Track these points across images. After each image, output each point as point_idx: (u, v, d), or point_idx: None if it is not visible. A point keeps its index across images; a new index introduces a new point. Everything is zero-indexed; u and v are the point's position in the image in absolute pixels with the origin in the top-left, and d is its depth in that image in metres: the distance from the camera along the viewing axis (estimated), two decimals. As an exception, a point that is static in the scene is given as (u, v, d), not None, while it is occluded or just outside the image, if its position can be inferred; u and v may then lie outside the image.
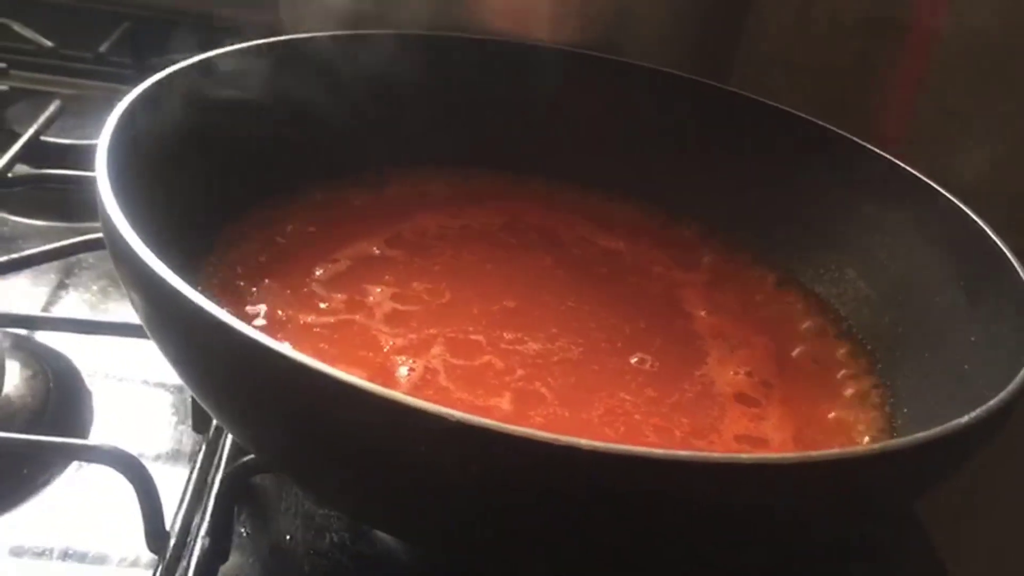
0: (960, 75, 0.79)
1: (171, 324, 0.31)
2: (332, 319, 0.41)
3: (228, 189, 0.45)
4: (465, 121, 0.54)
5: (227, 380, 0.31)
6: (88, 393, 0.49)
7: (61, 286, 0.57)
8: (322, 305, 0.42)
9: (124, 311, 0.56)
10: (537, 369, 0.41)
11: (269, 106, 0.47)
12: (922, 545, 0.45)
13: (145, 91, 0.40)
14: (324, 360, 0.37)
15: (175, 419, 0.49)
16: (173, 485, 0.43)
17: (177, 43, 0.75)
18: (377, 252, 0.47)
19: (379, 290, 0.44)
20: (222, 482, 0.40)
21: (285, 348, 0.27)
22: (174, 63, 0.71)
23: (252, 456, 0.40)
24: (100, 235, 0.51)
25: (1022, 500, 0.74)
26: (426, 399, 0.37)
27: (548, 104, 0.55)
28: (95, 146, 0.45)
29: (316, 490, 0.37)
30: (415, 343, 0.41)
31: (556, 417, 0.38)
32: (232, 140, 0.46)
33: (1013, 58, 0.75)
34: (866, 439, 0.40)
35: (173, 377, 0.51)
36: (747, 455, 0.27)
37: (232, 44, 0.48)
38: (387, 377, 0.38)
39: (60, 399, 0.48)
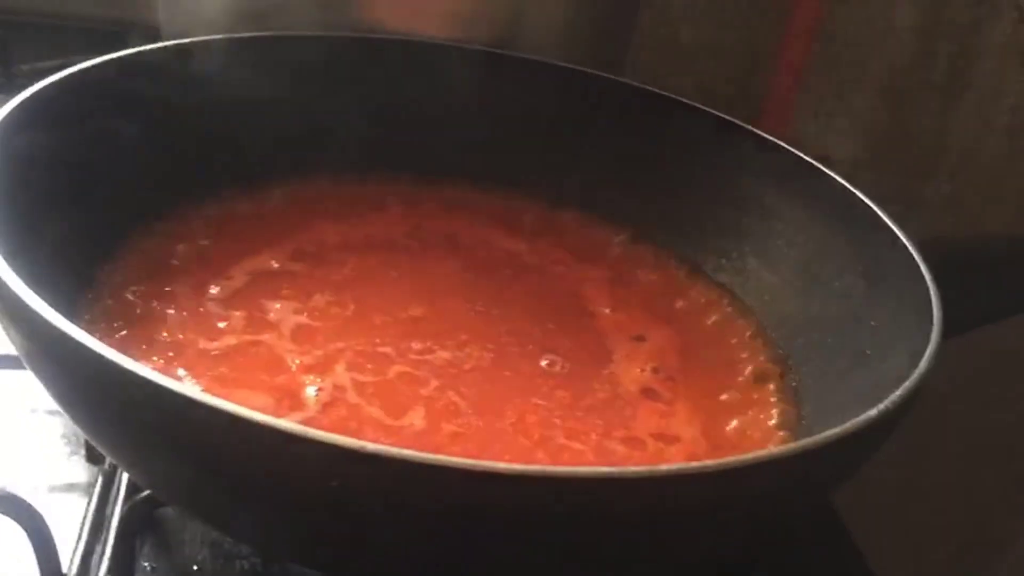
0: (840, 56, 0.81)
1: (52, 361, 0.30)
2: (232, 340, 0.40)
3: (112, 208, 0.43)
4: (357, 124, 0.53)
5: (115, 419, 0.29)
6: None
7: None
8: (220, 325, 0.41)
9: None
10: (449, 379, 0.40)
11: (150, 118, 0.45)
12: (840, 537, 0.45)
13: (17, 107, 0.38)
14: (226, 385, 0.36)
15: (67, 450, 0.46)
16: (68, 520, 0.41)
17: (49, 49, 0.71)
18: (275, 265, 0.45)
19: (279, 306, 0.42)
20: (122, 518, 0.38)
21: (172, 382, 0.25)
22: (46, 71, 0.67)
23: (147, 493, 0.38)
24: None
25: (934, 483, 0.77)
26: (337, 418, 0.37)
27: (442, 103, 0.54)
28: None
29: (219, 526, 0.35)
30: (321, 360, 0.39)
31: (471, 427, 0.38)
32: (113, 155, 0.43)
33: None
34: (774, 430, 0.41)
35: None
36: (659, 467, 0.26)
37: (109, 51, 0.46)
38: (294, 399, 0.37)
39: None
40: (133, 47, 0.47)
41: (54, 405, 0.47)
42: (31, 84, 0.69)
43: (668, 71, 0.79)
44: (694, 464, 0.27)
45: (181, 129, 0.46)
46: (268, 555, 0.38)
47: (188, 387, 0.26)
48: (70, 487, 0.44)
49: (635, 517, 0.27)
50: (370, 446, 0.25)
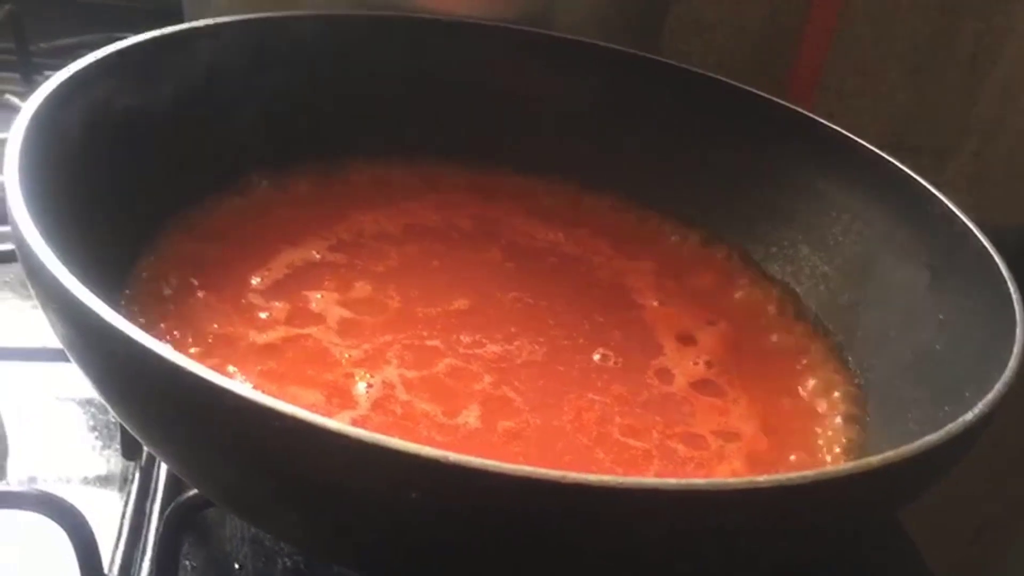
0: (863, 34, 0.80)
1: (99, 356, 0.28)
2: (276, 334, 0.38)
3: (149, 197, 0.41)
4: (387, 107, 0.51)
5: (163, 414, 0.28)
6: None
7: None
8: (263, 316, 0.39)
9: (27, 333, 0.52)
10: (502, 374, 0.38)
11: (187, 99, 0.43)
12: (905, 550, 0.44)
13: (55, 89, 0.36)
14: (274, 381, 0.35)
15: (99, 444, 0.45)
16: (105, 517, 0.40)
17: (64, 27, 0.69)
18: (315, 256, 0.43)
19: (323, 298, 0.41)
20: (167, 520, 0.36)
21: (226, 381, 0.24)
22: (63, 49, 0.65)
23: (195, 492, 0.37)
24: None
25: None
26: (389, 417, 0.35)
27: (477, 86, 0.52)
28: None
29: (266, 526, 0.34)
30: (370, 354, 0.38)
31: (528, 425, 0.36)
32: (151, 140, 0.42)
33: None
34: (839, 427, 0.39)
35: (93, 400, 0.47)
36: (738, 480, 0.25)
37: (140, 29, 0.44)
38: (344, 395, 0.36)
39: (-32, 432, 0.43)
40: (147, 25, 0.45)
41: (83, 400, 0.47)
42: (48, 63, 0.68)
43: (691, 49, 0.78)
44: (764, 479, 0.25)
45: (216, 114, 0.44)
46: (319, 558, 0.37)
47: (248, 388, 0.24)
48: (104, 481, 0.43)
49: (706, 530, 0.26)
50: (453, 456, 0.23)
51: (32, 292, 0.30)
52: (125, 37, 0.42)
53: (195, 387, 0.24)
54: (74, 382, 0.48)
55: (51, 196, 0.33)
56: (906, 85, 0.82)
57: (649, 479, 0.29)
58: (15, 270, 0.54)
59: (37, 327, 0.50)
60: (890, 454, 0.27)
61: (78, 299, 0.26)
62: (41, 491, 0.35)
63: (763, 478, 0.25)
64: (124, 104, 0.40)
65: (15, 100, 0.57)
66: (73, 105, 0.37)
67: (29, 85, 0.68)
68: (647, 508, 0.24)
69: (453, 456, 0.23)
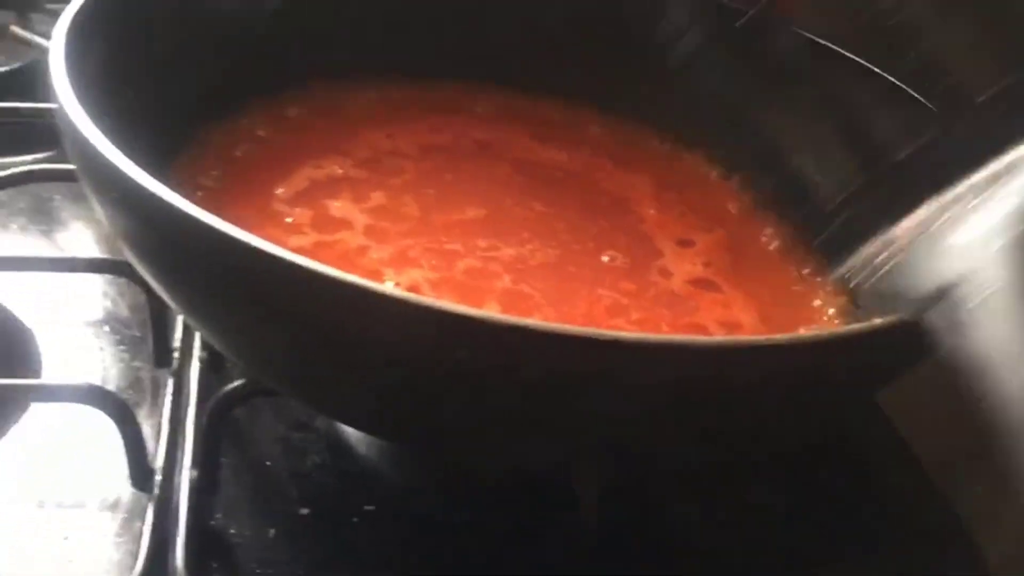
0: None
1: (167, 242, 0.30)
2: (304, 238, 0.40)
3: (173, 110, 0.43)
4: (392, 28, 0.53)
5: (222, 290, 0.29)
6: (30, 334, 0.46)
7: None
8: (288, 222, 0.41)
9: (49, 247, 0.53)
10: (518, 273, 0.41)
11: (205, 13, 0.44)
12: (934, 496, 0.47)
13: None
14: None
15: (127, 355, 0.47)
16: (141, 422, 0.42)
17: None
18: (335, 169, 0.45)
19: (344, 207, 0.43)
20: (210, 412, 0.39)
21: (292, 255, 0.26)
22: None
23: (235, 384, 0.39)
24: (28, 168, 0.49)
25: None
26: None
27: (476, 4, 0.54)
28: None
29: (313, 399, 0.36)
30: (394, 256, 0.40)
31: (547, 318, 0.39)
32: (171, 54, 0.43)
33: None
34: (832, 319, 0.42)
35: (116, 312, 0.49)
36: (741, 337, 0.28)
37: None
38: (375, 291, 0.38)
39: (3, 344, 0.45)
40: None
41: (107, 312, 0.49)
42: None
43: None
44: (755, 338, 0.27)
45: (243, 28, 0.46)
46: (366, 429, 0.39)
47: (311, 261, 0.26)
48: (136, 388, 0.45)
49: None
50: (499, 316, 0.26)
51: (95, 192, 0.32)
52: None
53: (260, 261, 0.26)
54: (94, 299, 0.49)
55: (94, 110, 0.35)
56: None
57: (679, 335, 0.31)
58: (28, 199, 0.56)
59: (50, 250, 0.53)
60: (876, 320, 0.29)
61: (147, 188, 0.28)
62: (91, 384, 0.37)
63: (779, 336, 0.27)
64: (147, 17, 0.41)
65: (19, 31, 0.58)
66: (100, 20, 0.39)
67: (25, 21, 0.68)
68: (672, 362, 0.27)
69: (500, 316, 0.26)
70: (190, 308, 0.33)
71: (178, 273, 0.31)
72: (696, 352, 0.27)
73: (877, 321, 0.29)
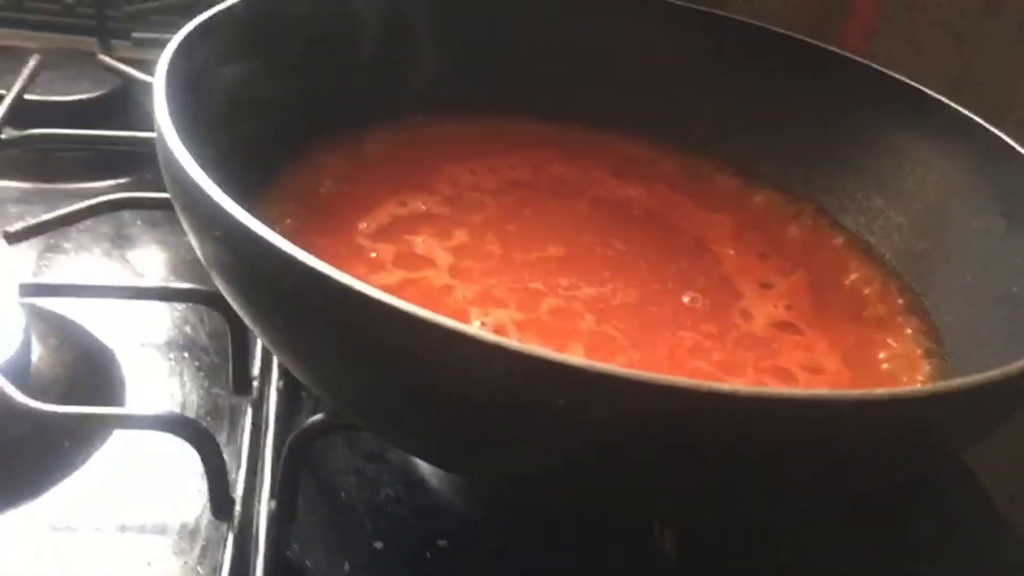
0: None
1: (259, 278, 0.30)
2: (389, 275, 0.41)
3: (261, 146, 0.44)
4: (465, 63, 0.53)
5: (318, 331, 0.30)
6: (115, 361, 0.47)
7: (53, 250, 0.54)
8: (373, 258, 0.42)
9: (131, 272, 0.54)
10: (600, 313, 0.41)
11: (308, 48, 0.45)
12: (982, 502, 0.46)
13: (198, 27, 0.39)
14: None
15: (207, 382, 0.47)
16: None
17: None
18: (417, 204, 0.46)
19: (427, 243, 0.43)
20: (290, 445, 0.39)
21: (391, 297, 0.26)
22: (141, 13, 0.68)
23: (317, 419, 0.40)
24: (116, 197, 0.50)
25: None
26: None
27: (555, 42, 0.54)
28: (79, 101, 0.42)
29: (402, 439, 0.36)
30: (479, 295, 0.40)
31: (630, 360, 0.39)
32: (262, 90, 0.44)
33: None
34: (918, 365, 0.42)
35: (196, 339, 0.50)
36: (843, 391, 0.27)
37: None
38: (462, 331, 0.38)
39: (89, 368, 0.46)
40: None
41: (187, 340, 0.49)
42: (125, 28, 0.70)
43: (743, 11, 0.79)
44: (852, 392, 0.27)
45: (329, 64, 0.47)
46: (457, 471, 0.39)
47: (408, 304, 0.26)
48: (215, 416, 0.45)
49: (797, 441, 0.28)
50: (600, 366, 0.25)
51: (191, 225, 0.32)
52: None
53: (358, 300, 0.26)
54: (175, 326, 0.50)
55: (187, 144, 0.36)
56: (953, 54, 0.83)
57: (784, 389, 0.31)
58: (111, 224, 0.57)
59: (131, 275, 0.54)
60: (978, 376, 0.29)
61: (248, 225, 0.28)
62: (177, 413, 0.38)
63: (880, 390, 0.27)
64: (238, 57, 0.42)
65: (108, 59, 0.60)
66: (198, 56, 0.40)
67: (108, 48, 0.70)
68: (772, 415, 0.27)
69: (600, 366, 0.25)
70: (278, 340, 0.34)
71: (268, 307, 0.31)
72: (790, 406, 0.27)
73: (980, 377, 0.29)
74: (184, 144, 0.33)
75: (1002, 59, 0.82)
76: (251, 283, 0.31)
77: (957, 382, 0.27)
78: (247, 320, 0.34)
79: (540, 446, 0.29)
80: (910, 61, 0.83)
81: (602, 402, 0.26)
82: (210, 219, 0.30)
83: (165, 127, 0.33)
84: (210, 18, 0.41)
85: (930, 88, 0.82)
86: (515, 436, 0.29)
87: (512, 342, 0.25)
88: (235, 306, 0.34)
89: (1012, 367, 0.28)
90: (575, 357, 0.25)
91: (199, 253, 0.34)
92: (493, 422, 0.29)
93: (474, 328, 0.25)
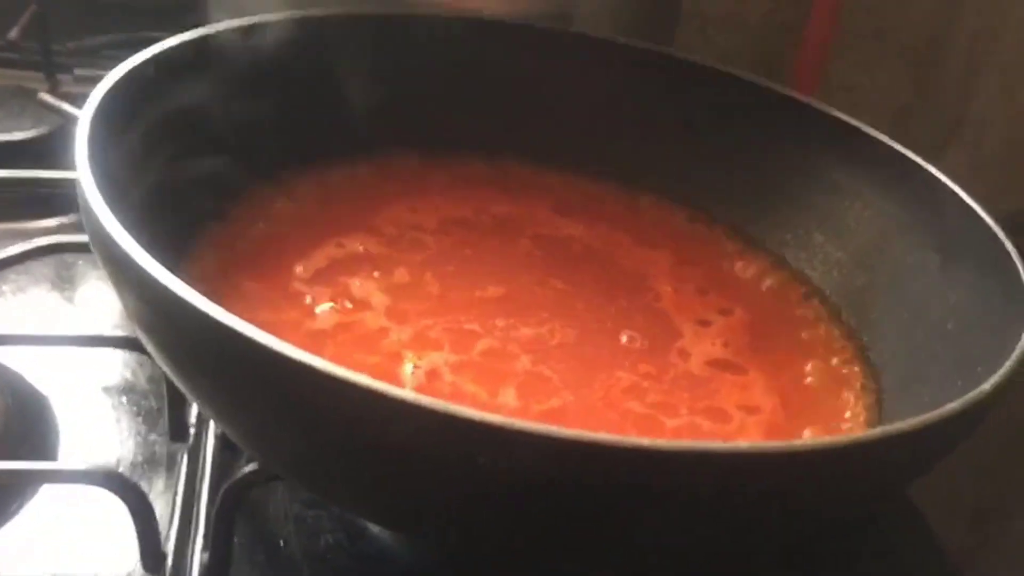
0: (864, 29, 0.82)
1: (179, 335, 0.30)
2: (323, 321, 0.40)
3: (194, 190, 0.43)
4: (414, 105, 0.53)
5: (241, 388, 0.29)
6: (49, 408, 0.46)
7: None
8: (307, 302, 0.41)
9: (70, 320, 0.53)
10: (537, 354, 0.40)
11: (234, 95, 0.45)
12: (923, 537, 0.46)
13: (122, 79, 0.38)
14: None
15: (144, 428, 0.47)
16: (154, 497, 0.42)
17: (89, 27, 0.71)
18: (355, 245, 0.45)
19: (365, 285, 0.43)
20: (223, 496, 0.38)
21: (309, 356, 0.26)
22: (89, 49, 0.67)
23: (251, 468, 0.39)
24: (49, 242, 0.49)
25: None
26: (436, 395, 0.37)
27: (498, 82, 0.54)
28: (22, 141, 0.41)
29: (329, 494, 0.36)
30: (413, 338, 0.40)
31: (565, 402, 0.38)
32: (194, 135, 0.43)
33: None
34: (853, 404, 0.42)
35: (135, 384, 0.49)
36: (768, 444, 0.27)
37: (161, 28, 0.46)
38: (392, 377, 0.38)
39: (22, 417, 0.45)
40: (167, 24, 0.47)
41: (127, 386, 0.49)
42: (72, 62, 0.70)
43: (691, 45, 0.79)
44: (776, 444, 0.27)
45: (263, 107, 0.46)
46: (383, 524, 0.39)
47: (327, 363, 0.26)
48: (151, 464, 0.45)
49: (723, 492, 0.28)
50: (518, 423, 0.25)
51: (113, 280, 0.32)
52: (148, 36, 0.44)
53: (276, 360, 0.26)
54: (113, 371, 0.49)
55: (114, 190, 0.35)
56: (905, 80, 0.84)
57: (698, 442, 0.31)
58: (52, 263, 0.56)
59: (71, 318, 0.53)
60: (912, 420, 0.29)
61: (165, 284, 0.28)
62: (106, 467, 0.37)
63: (801, 441, 0.27)
64: (177, 98, 0.42)
65: (48, 98, 0.59)
66: (132, 97, 0.39)
67: (54, 84, 0.70)
68: (694, 470, 0.26)
69: (521, 423, 0.25)
70: (198, 395, 0.33)
71: (187, 362, 0.31)
72: (721, 460, 0.26)
73: (925, 417, 0.29)
74: (108, 190, 0.33)
75: (953, 84, 0.84)
76: (169, 339, 0.31)
77: (876, 432, 0.27)
78: (169, 374, 0.33)
79: (466, 500, 0.29)
80: (863, 87, 0.84)
81: (506, 456, 0.25)
82: (124, 270, 0.30)
83: (84, 178, 0.33)
84: (143, 61, 0.40)
85: (883, 114, 0.84)
86: (440, 491, 0.29)
87: (419, 397, 0.25)
88: (156, 360, 0.33)
89: (927, 416, 0.28)
90: (474, 410, 0.25)
91: (122, 306, 0.33)
92: (414, 477, 0.28)
93: (380, 383, 0.25)
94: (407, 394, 0.25)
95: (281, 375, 0.26)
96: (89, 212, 0.31)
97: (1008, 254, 0.38)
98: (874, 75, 0.84)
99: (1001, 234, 0.39)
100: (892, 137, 0.47)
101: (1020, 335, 0.33)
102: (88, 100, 0.38)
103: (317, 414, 0.27)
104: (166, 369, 0.33)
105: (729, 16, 0.81)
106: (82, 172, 0.33)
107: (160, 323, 0.30)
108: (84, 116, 0.36)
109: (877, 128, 0.81)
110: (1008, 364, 0.32)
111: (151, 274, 0.28)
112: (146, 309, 0.30)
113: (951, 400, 0.30)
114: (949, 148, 0.85)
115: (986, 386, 0.30)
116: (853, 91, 0.84)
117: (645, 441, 0.26)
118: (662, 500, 0.27)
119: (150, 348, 0.33)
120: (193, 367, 0.31)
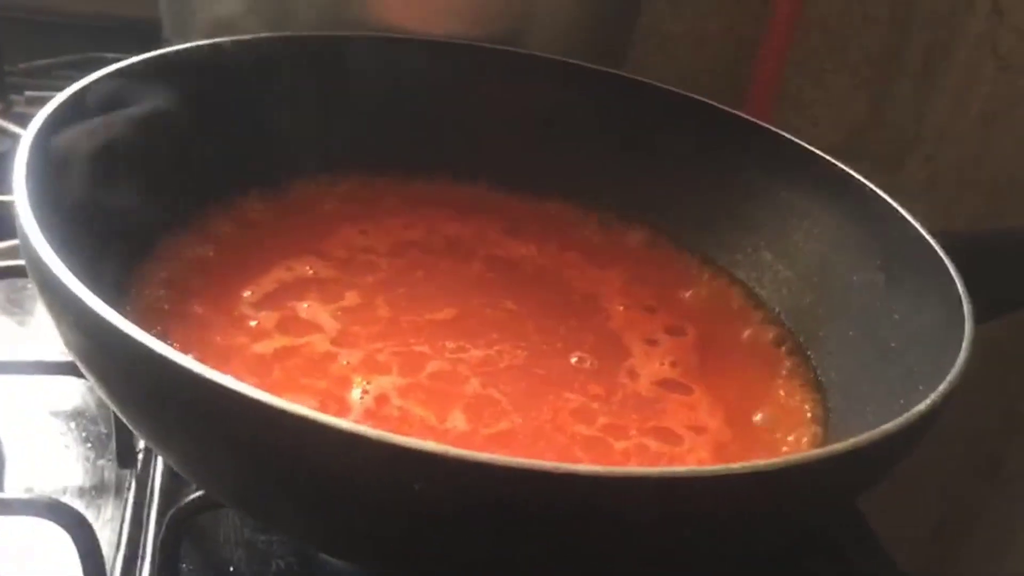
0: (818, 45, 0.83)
1: (115, 365, 0.30)
2: (271, 344, 0.40)
3: (140, 215, 0.43)
4: (365, 127, 0.53)
5: (177, 418, 0.29)
6: (-7, 435, 0.46)
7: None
8: (255, 327, 0.41)
9: (22, 337, 0.53)
10: (486, 376, 0.41)
11: (183, 116, 0.45)
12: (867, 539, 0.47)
13: (61, 106, 0.38)
14: (270, 389, 0.36)
15: (92, 454, 0.46)
16: (101, 525, 0.41)
17: (41, 47, 0.70)
18: (304, 269, 0.45)
19: (312, 309, 0.43)
20: (169, 523, 0.38)
21: (243, 386, 0.26)
22: (41, 69, 0.67)
23: (198, 495, 0.39)
24: (5, 264, 0.49)
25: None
26: (384, 419, 0.37)
27: (449, 103, 0.54)
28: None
29: (271, 522, 0.36)
30: (362, 362, 0.40)
31: (513, 425, 0.38)
32: (145, 155, 0.43)
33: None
34: (800, 422, 0.42)
35: (84, 409, 0.48)
36: (705, 468, 0.28)
37: (115, 49, 0.46)
38: (339, 402, 0.38)
39: (-36, 444, 0.44)
40: (121, 45, 0.46)
41: (74, 412, 0.48)
42: (24, 83, 0.69)
43: (651, 61, 0.80)
44: (722, 467, 0.27)
45: (209, 129, 0.46)
46: (325, 551, 0.39)
47: (261, 392, 0.26)
48: (99, 490, 0.44)
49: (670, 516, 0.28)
50: (454, 451, 0.25)
51: (48, 307, 0.31)
52: (101, 57, 0.43)
53: (211, 391, 0.26)
54: (62, 396, 0.49)
55: (56, 216, 0.35)
56: (860, 95, 0.85)
57: (632, 468, 0.31)
58: (2, 287, 0.55)
59: (21, 343, 0.52)
60: (852, 441, 0.29)
61: (99, 313, 0.28)
62: (48, 497, 0.37)
63: (737, 464, 0.27)
64: (121, 122, 0.41)
65: (-2, 120, 0.58)
66: (72, 122, 0.39)
67: (6, 105, 0.69)
68: (632, 494, 0.27)
69: (454, 450, 0.25)
70: (136, 425, 0.33)
71: (124, 393, 0.31)
72: (658, 485, 0.27)
73: (858, 439, 0.29)
74: (47, 215, 0.33)
75: (907, 100, 0.85)
76: (106, 369, 0.30)
77: (802, 455, 0.27)
78: (107, 402, 0.33)
79: (406, 528, 0.29)
80: (820, 102, 0.85)
81: (441, 484, 0.25)
82: (63, 303, 0.29)
83: (20, 201, 0.32)
84: (87, 83, 0.40)
85: (839, 129, 0.85)
86: (381, 519, 0.29)
87: (354, 426, 0.25)
88: (95, 389, 0.33)
89: (865, 436, 0.29)
90: (408, 439, 0.25)
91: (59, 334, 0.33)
92: (355, 506, 0.28)
93: (314, 412, 0.25)
94: (342, 423, 0.25)
95: (217, 406, 0.26)
96: (23, 236, 0.31)
97: (949, 275, 0.39)
98: (829, 90, 0.85)
99: (943, 254, 0.40)
100: (848, 152, 0.48)
101: (958, 356, 0.34)
102: (30, 123, 0.37)
103: (254, 444, 0.27)
104: (103, 397, 0.33)
105: (688, 32, 0.82)
106: (19, 195, 0.33)
107: (95, 353, 0.30)
108: (24, 139, 0.36)
109: (833, 143, 0.83)
110: (944, 385, 0.32)
111: (84, 302, 0.28)
112: (81, 338, 0.30)
113: (893, 418, 0.31)
114: (905, 162, 0.86)
115: (922, 406, 0.31)
116: (810, 106, 0.85)
117: (565, 467, 0.26)
118: (598, 525, 0.27)
119: (88, 377, 0.32)
120: (129, 398, 0.31)
